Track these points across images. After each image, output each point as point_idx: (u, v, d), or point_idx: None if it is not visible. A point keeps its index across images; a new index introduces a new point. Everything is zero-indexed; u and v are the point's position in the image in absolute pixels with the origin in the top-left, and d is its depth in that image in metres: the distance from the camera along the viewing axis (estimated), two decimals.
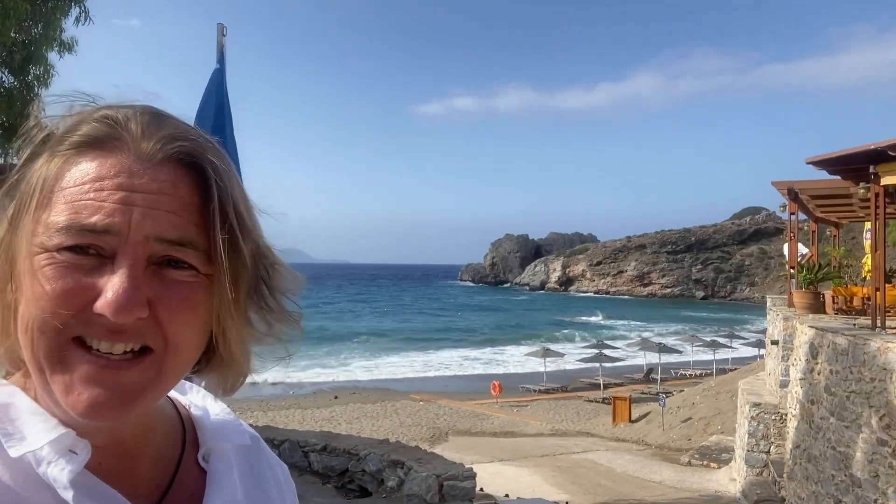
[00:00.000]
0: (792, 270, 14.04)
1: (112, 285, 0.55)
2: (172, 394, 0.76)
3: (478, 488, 8.42)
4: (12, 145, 0.65)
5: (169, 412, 0.74)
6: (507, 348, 52.02)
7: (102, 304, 0.55)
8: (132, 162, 0.59)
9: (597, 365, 33.50)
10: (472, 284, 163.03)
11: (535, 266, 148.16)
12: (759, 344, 33.33)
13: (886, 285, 9.19)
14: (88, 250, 0.56)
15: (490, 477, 13.76)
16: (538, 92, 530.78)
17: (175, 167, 0.60)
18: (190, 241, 0.59)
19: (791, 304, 13.52)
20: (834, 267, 14.15)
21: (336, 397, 30.78)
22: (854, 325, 9.26)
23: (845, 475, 7.67)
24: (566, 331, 65.27)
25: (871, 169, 8.64)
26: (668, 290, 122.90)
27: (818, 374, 8.62)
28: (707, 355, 38.42)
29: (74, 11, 7.49)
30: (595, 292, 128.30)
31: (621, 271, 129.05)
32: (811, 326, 9.21)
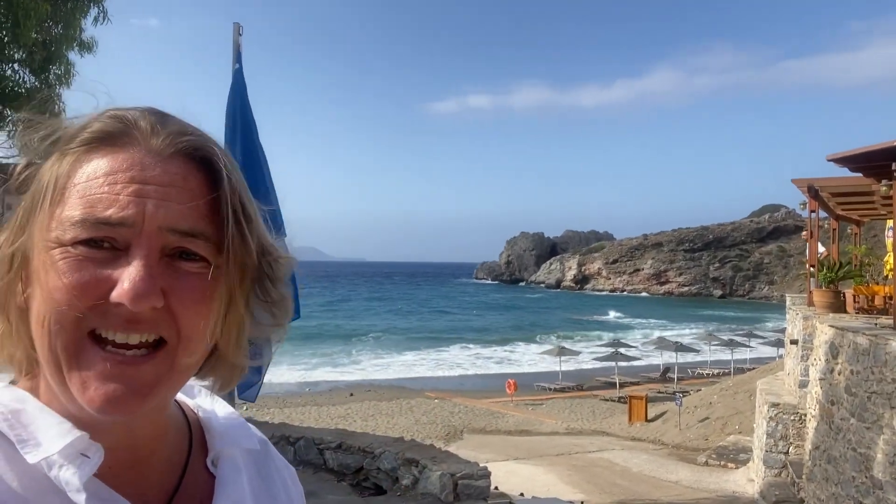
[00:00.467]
0: (812, 269, 13.87)
1: (128, 274, 0.56)
2: (180, 397, 0.76)
3: (492, 487, 8.41)
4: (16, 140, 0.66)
5: (177, 415, 0.74)
6: (522, 346, 51.97)
7: (119, 293, 0.56)
8: (143, 156, 0.60)
9: (612, 364, 33.29)
10: (487, 282, 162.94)
11: (551, 264, 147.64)
12: (779, 343, 32.95)
13: None
14: (103, 244, 0.57)
15: (505, 475, 13.73)
16: (554, 89, 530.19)
17: (185, 161, 0.62)
18: (201, 231, 0.60)
19: (811, 303, 13.35)
20: (855, 265, 13.98)
21: (351, 394, 30.98)
22: (875, 324, 9.12)
23: (866, 477, 7.57)
24: (582, 329, 65.03)
25: (894, 166, 8.53)
26: (686, 289, 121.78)
27: (838, 375, 8.51)
28: (725, 354, 38.02)
29: (93, 11, 7.60)
30: (611, 291, 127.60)
31: (638, 269, 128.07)
32: (831, 326, 9.09)
